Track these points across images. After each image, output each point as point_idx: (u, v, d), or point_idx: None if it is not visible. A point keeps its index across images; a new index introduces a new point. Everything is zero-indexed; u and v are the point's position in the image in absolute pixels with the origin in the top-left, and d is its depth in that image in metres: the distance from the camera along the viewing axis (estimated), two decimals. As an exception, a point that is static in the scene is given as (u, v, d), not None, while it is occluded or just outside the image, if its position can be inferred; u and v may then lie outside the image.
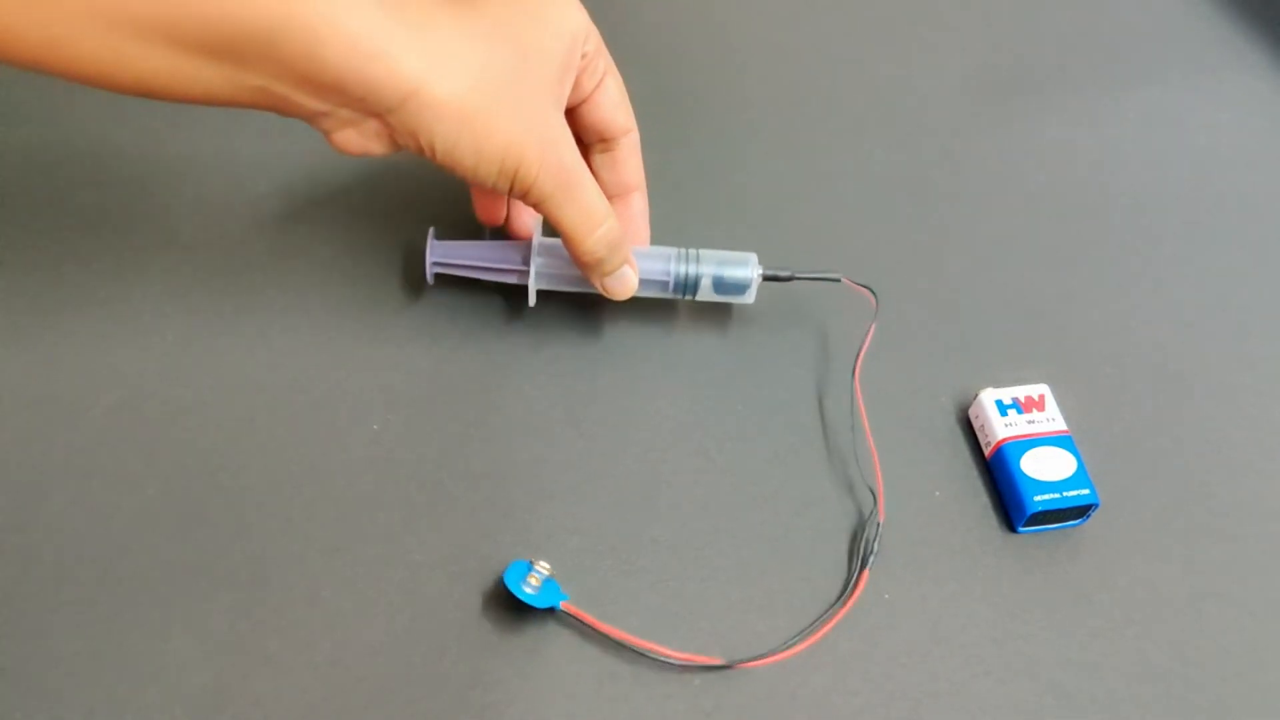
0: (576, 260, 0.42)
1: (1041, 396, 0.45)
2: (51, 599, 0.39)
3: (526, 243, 0.46)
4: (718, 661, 0.39)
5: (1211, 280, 0.53)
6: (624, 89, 0.44)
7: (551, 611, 0.39)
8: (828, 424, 0.46)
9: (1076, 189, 0.56)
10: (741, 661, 0.39)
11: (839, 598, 0.41)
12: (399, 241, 0.50)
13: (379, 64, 0.34)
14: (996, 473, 0.44)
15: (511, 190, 0.39)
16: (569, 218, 0.40)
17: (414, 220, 0.50)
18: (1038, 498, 0.42)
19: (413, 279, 0.49)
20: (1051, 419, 0.45)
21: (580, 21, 0.40)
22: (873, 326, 0.46)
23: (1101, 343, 0.50)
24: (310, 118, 0.36)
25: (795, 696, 0.39)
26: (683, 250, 0.46)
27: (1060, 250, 0.53)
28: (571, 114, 0.43)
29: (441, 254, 0.46)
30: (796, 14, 0.64)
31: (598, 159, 0.45)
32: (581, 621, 0.39)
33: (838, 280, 0.47)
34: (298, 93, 0.34)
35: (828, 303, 0.49)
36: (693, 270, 0.46)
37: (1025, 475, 0.43)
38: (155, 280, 0.48)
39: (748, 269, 0.46)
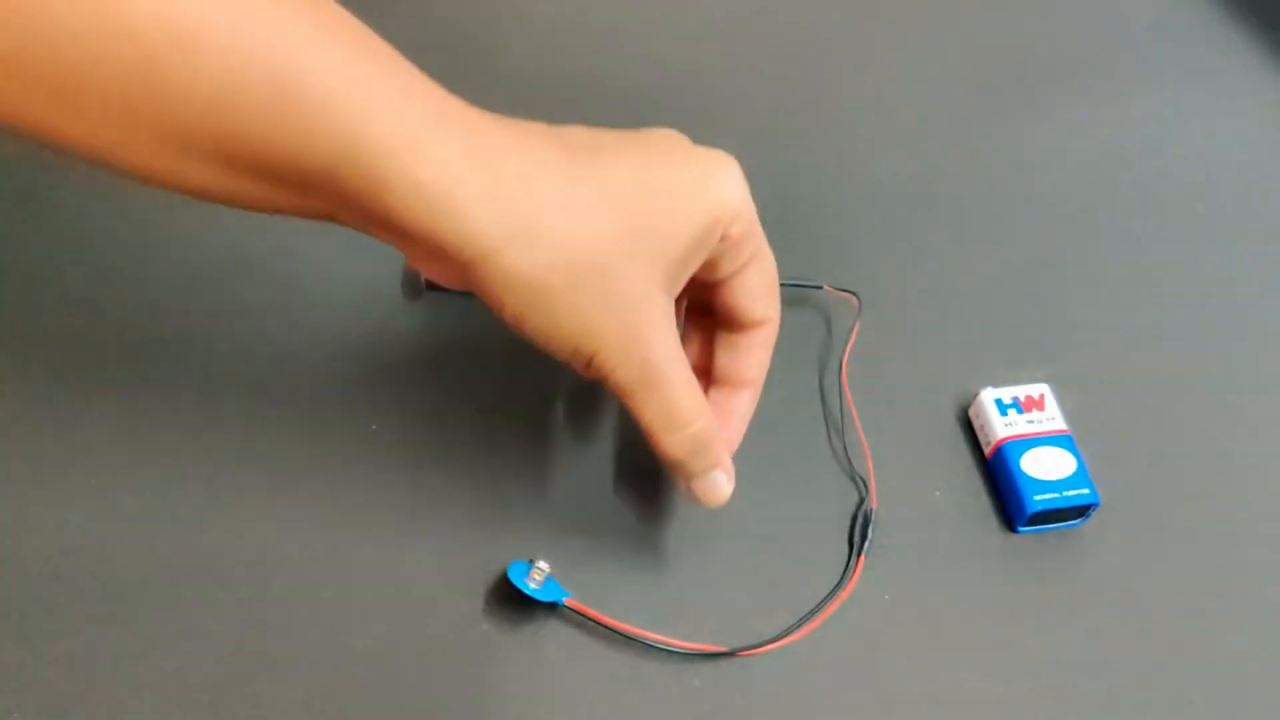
0: (659, 457, 0.36)
1: (1041, 396, 0.45)
2: (49, 600, 0.39)
3: None
4: (721, 649, 0.39)
5: (1211, 280, 0.53)
6: (774, 276, 0.38)
7: (554, 607, 0.39)
8: (822, 421, 0.46)
9: (1077, 189, 0.56)
10: (744, 649, 0.39)
11: (837, 585, 0.41)
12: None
13: (446, 221, 0.29)
14: (996, 472, 0.44)
15: (589, 372, 0.34)
16: (647, 415, 0.35)
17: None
18: (1038, 497, 0.42)
19: (411, 281, 0.49)
20: (1051, 419, 0.44)
21: (731, 199, 0.34)
22: (857, 325, 0.47)
23: (1101, 343, 0.50)
24: (389, 242, 0.32)
25: (794, 697, 0.39)
26: None
27: (1060, 250, 0.53)
28: (702, 288, 0.37)
29: None
30: (796, 13, 0.64)
31: (722, 338, 0.39)
32: (582, 619, 0.39)
33: (819, 288, 0.48)
34: (367, 227, 0.31)
35: (822, 305, 0.49)
36: None
37: (1025, 475, 0.43)
38: (152, 282, 0.48)
39: None
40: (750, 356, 0.39)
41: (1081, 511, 0.43)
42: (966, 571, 0.42)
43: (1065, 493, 0.42)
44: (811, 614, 0.40)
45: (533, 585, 0.38)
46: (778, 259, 0.47)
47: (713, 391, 0.39)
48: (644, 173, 0.33)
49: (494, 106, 0.32)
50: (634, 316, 0.33)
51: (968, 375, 0.47)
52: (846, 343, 0.47)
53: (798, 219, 0.54)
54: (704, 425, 0.35)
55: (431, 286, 0.48)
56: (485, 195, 0.30)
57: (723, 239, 0.35)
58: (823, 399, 0.47)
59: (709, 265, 0.35)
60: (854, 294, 0.48)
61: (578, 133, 0.34)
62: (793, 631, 0.40)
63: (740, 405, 0.39)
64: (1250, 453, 0.46)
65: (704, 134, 0.56)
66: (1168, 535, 0.44)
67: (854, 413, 0.45)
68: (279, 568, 0.40)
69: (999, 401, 0.45)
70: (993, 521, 0.44)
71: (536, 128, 0.33)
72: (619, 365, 0.33)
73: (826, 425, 0.46)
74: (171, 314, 0.47)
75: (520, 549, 0.41)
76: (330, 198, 0.30)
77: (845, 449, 0.45)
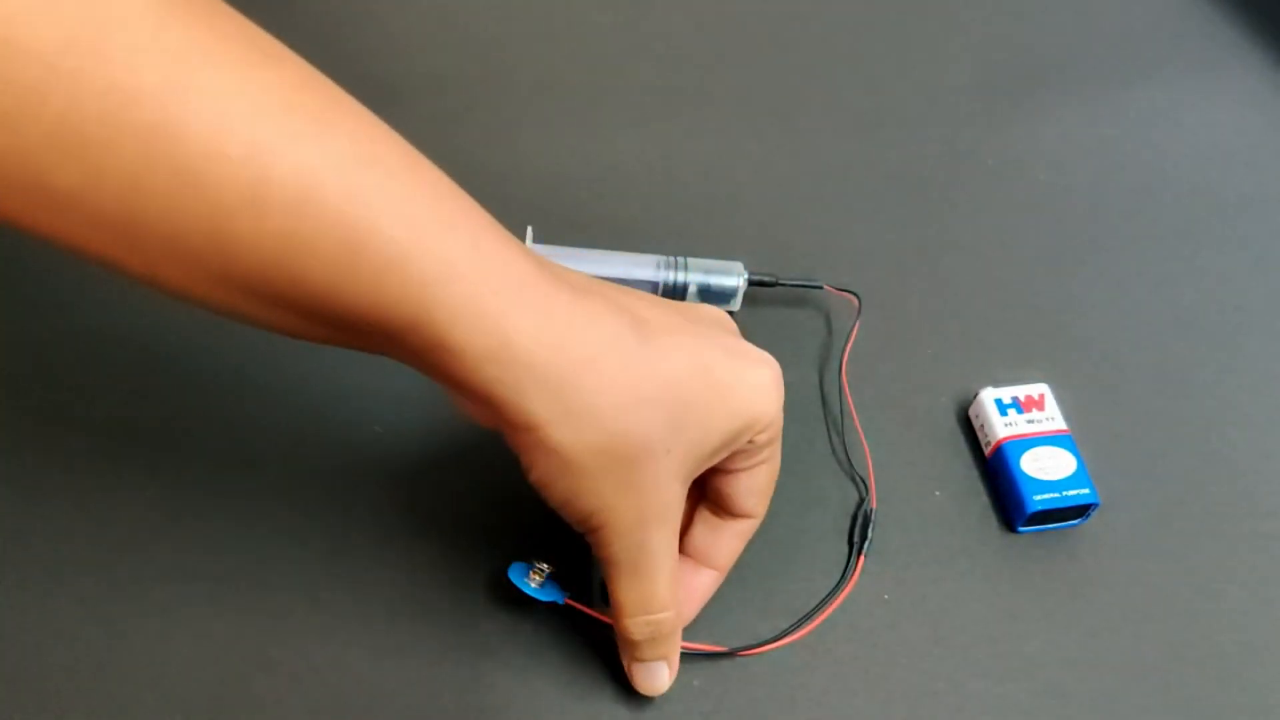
0: (615, 628, 0.37)
1: (1041, 396, 0.45)
2: (51, 601, 0.39)
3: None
4: (721, 649, 0.39)
5: (1211, 280, 0.53)
6: (775, 477, 0.38)
7: (554, 607, 0.39)
8: (822, 421, 0.46)
9: (1077, 188, 0.56)
10: (744, 649, 0.39)
11: (836, 585, 0.41)
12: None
13: (505, 391, 0.30)
14: (996, 472, 0.44)
15: (586, 538, 0.34)
16: (622, 593, 0.35)
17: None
18: (1038, 497, 0.42)
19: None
20: (1051, 418, 0.44)
21: (769, 409, 0.35)
22: (856, 325, 0.47)
23: (1101, 343, 0.50)
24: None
25: (794, 698, 0.39)
26: (670, 258, 0.47)
27: (1060, 250, 0.53)
28: (708, 471, 0.37)
29: None
30: (796, 12, 0.64)
31: (704, 515, 0.39)
32: (581, 620, 0.39)
33: (820, 288, 0.48)
34: (423, 371, 0.31)
35: (822, 304, 0.49)
36: (680, 278, 0.47)
37: (1025, 474, 0.43)
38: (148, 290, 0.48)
39: (734, 277, 0.47)
40: (726, 543, 0.39)
41: (1081, 511, 0.43)
42: (966, 571, 0.42)
43: (1065, 493, 0.42)
44: (811, 614, 0.40)
45: (533, 585, 0.38)
46: (778, 255, 0.48)
47: (680, 562, 0.38)
48: (698, 361, 0.33)
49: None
50: (647, 504, 0.33)
51: (968, 375, 0.47)
52: (846, 342, 0.47)
53: (798, 219, 0.54)
54: (670, 618, 0.36)
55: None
56: (547, 375, 0.30)
57: (749, 441, 0.35)
58: (823, 399, 0.47)
59: (722, 463, 0.36)
60: (854, 294, 0.48)
61: (645, 307, 0.34)
62: (793, 631, 0.40)
63: (702, 584, 0.39)
64: (1250, 452, 0.46)
65: (705, 132, 0.57)
66: (1168, 535, 0.44)
67: (854, 413, 0.45)
68: (279, 567, 0.40)
69: (999, 401, 0.45)
70: (992, 521, 0.44)
71: (609, 296, 0.33)
72: (616, 546, 0.34)
73: (826, 425, 0.46)
74: (171, 314, 0.47)
75: (520, 550, 0.41)
76: (390, 345, 0.30)
77: (845, 449, 0.45)
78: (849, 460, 0.45)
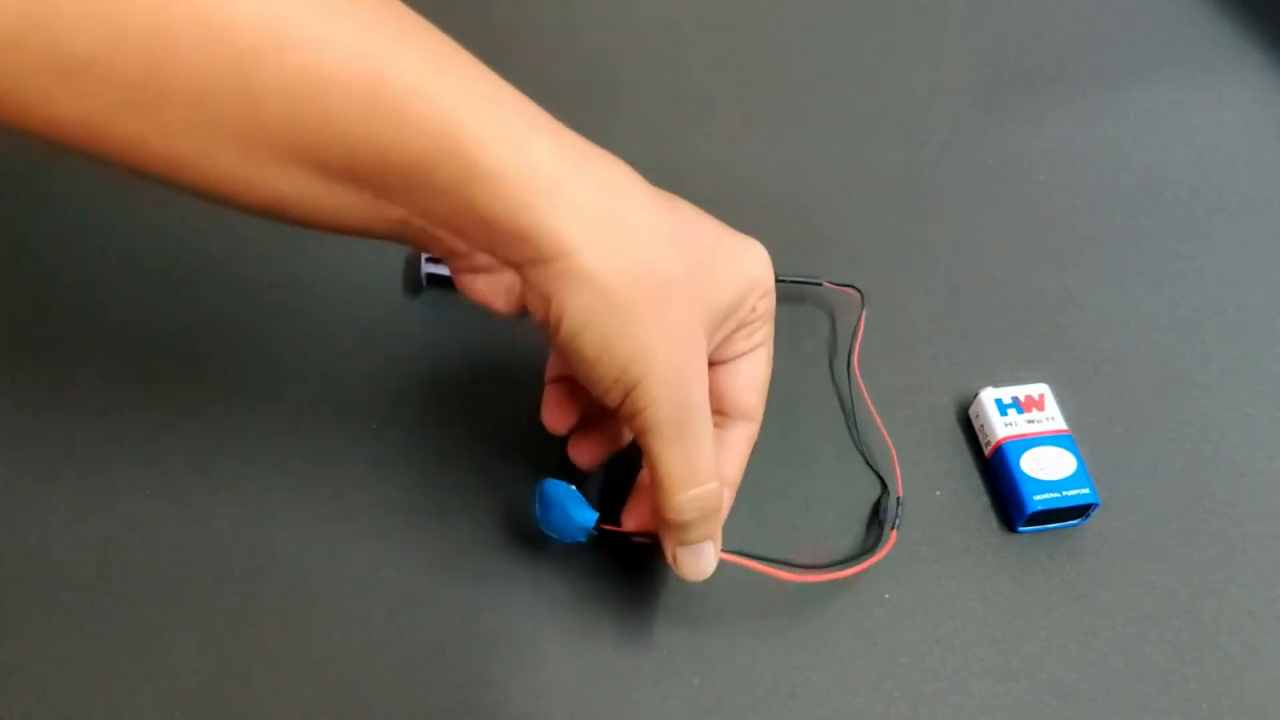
0: (659, 513, 0.35)
1: (1041, 396, 0.45)
2: (50, 598, 0.39)
3: None
4: (782, 574, 0.38)
5: (1211, 280, 0.53)
6: (769, 376, 0.38)
7: (587, 536, 0.37)
8: (829, 416, 0.46)
9: (1076, 188, 0.56)
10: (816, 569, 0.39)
11: (874, 547, 0.42)
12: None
13: (532, 215, 0.30)
14: (996, 472, 0.44)
15: (621, 407, 0.33)
16: (668, 462, 0.33)
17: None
18: (1038, 497, 0.42)
19: (412, 278, 0.49)
20: (1051, 418, 0.44)
21: (766, 275, 0.36)
22: (863, 316, 0.48)
23: (1101, 343, 0.50)
24: (446, 255, 0.32)
25: (795, 696, 0.39)
26: None
27: (1060, 250, 0.53)
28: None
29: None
30: (797, 12, 0.64)
31: None
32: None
33: (820, 285, 0.49)
34: (439, 229, 0.31)
35: (823, 302, 0.49)
36: None
37: (1025, 475, 0.43)
38: (155, 281, 0.48)
39: None
40: (734, 452, 0.38)
41: (1081, 511, 0.43)
42: (966, 571, 0.42)
43: (1065, 492, 0.42)
44: (857, 559, 0.41)
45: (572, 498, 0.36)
46: (778, 254, 0.48)
47: None
48: (704, 219, 0.35)
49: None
50: (684, 353, 0.32)
51: (968, 375, 0.47)
52: (855, 336, 0.47)
53: (798, 219, 0.53)
54: (716, 489, 0.34)
55: (432, 284, 0.48)
56: (573, 193, 0.30)
57: (751, 309, 0.35)
58: (835, 391, 0.47)
59: (727, 342, 0.36)
60: (856, 288, 0.48)
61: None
62: (846, 567, 0.40)
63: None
64: (1250, 452, 0.46)
65: (705, 132, 0.57)
66: (1168, 535, 0.44)
67: (868, 401, 0.45)
68: (278, 566, 0.40)
69: (999, 401, 0.45)
70: (992, 521, 0.44)
71: (614, 156, 0.33)
72: (659, 399, 0.32)
73: (833, 419, 0.46)
74: (171, 315, 0.47)
75: (520, 550, 0.41)
76: (413, 198, 0.30)
77: (864, 445, 0.45)
78: (865, 449, 0.44)
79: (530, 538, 0.41)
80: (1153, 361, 0.49)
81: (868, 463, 0.44)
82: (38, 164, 0.51)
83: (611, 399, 0.33)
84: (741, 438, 0.38)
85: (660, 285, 0.31)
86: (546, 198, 0.30)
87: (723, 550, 0.37)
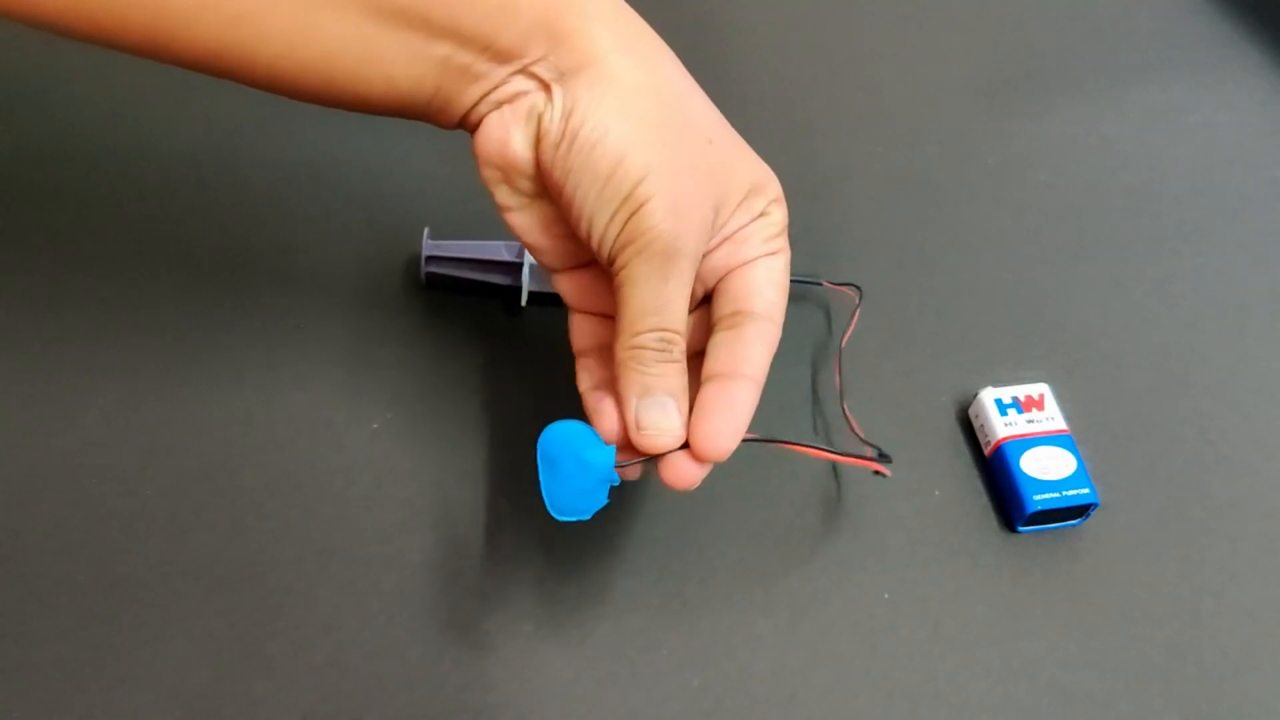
0: (617, 353, 0.34)
1: (1041, 396, 0.45)
2: (48, 601, 0.39)
3: (519, 245, 0.46)
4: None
5: (1211, 280, 0.53)
6: (787, 284, 0.37)
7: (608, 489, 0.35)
8: (822, 414, 0.46)
9: (1077, 188, 0.56)
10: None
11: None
12: (398, 242, 0.50)
13: (572, 20, 0.32)
14: (996, 472, 0.44)
15: (620, 235, 0.32)
16: (642, 294, 0.33)
17: (413, 221, 0.50)
18: (1037, 497, 0.42)
19: (411, 279, 0.49)
20: (1051, 418, 0.44)
21: (776, 186, 0.37)
22: (857, 313, 0.48)
23: (1101, 343, 0.50)
24: (469, 111, 0.33)
25: (794, 697, 0.39)
26: None
27: (1060, 249, 0.53)
28: (722, 279, 0.37)
29: (435, 252, 0.46)
30: (797, 12, 0.64)
31: (720, 336, 0.36)
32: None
33: (819, 284, 0.48)
34: (479, 60, 0.32)
35: (821, 301, 0.50)
36: None
37: (1025, 474, 0.43)
38: (154, 280, 0.48)
39: None
40: (755, 349, 0.36)
41: (1081, 511, 0.43)
42: (966, 571, 0.42)
43: (1065, 492, 0.42)
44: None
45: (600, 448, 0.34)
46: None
47: (712, 384, 0.35)
48: (717, 114, 0.36)
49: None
50: (691, 199, 0.33)
51: (968, 375, 0.47)
52: (845, 330, 0.47)
53: (798, 219, 0.53)
54: (682, 346, 0.34)
55: (432, 284, 0.48)
56: (609, 15, 0.33)
57: (762, 214, 0.36)
58: (816, 391, 0.47)
59: (741, 238, 0.36)
60: (855, 286, 0.48)
61: None
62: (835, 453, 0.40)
63: (743, 397, 0.35)
64: (1250, 453, 0.46)
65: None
66: (1168, 535, 0.44)
67: (842, 398, 0.44)
68: (278, 567, 0.40)
69: (999, 401, 0.45)
70: (992, 521, 0.44)
71: None
72: (659, 228, 0.32)
73: (821, 416, 0.46)
74: (170, 312, 0.47)
75: (520, 550, 0.41)
76: (459, 24, 0.31)
77: (852, 437, 0.45)
78: (850, 441, 0.44)
79: (531, 537, 0.41)
80: (1152, 361, 0.49)
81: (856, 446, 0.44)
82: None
83: (614, 226, 0.32)
84: (765, 334, 0.36)
85: (675, 106, 0.33)
86: (582, 7, 0.32)
87: (745, 435, 0.35)
